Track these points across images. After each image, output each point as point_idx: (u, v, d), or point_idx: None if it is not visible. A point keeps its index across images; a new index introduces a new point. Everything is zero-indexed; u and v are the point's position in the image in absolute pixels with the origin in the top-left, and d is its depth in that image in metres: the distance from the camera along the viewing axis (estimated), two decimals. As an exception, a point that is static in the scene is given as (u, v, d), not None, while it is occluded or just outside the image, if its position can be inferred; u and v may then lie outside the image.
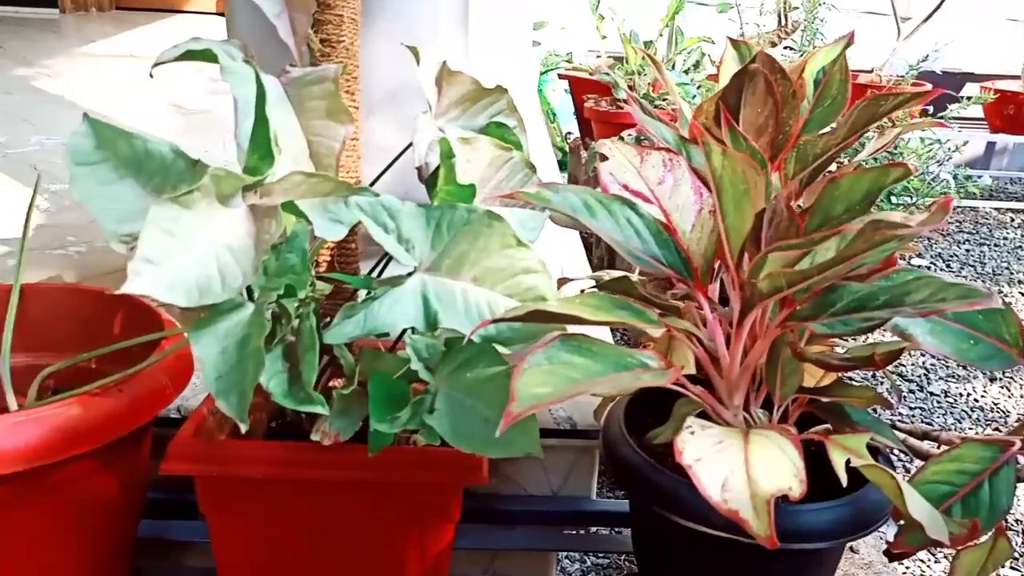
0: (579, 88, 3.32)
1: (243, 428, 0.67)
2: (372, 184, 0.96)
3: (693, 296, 0.84)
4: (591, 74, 3.28)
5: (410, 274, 0.76)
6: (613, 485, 1.44)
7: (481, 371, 0.77)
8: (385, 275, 0.89)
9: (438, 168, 0.89)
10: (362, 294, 0.84)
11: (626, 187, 0.88)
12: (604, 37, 3.23)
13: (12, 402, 0.96)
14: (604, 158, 0.90)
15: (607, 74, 3.04)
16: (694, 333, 0.82)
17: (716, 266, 0.87)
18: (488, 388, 0.77)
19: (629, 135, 2.51)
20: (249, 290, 0.77)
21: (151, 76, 0.85)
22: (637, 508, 0.99)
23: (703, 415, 0.89)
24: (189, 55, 0.84)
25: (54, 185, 1.97)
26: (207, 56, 0.83)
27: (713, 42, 3.27)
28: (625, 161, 0.90)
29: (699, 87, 3.14)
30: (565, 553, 1.35)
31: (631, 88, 2.99)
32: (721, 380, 0.83)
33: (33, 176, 2.03)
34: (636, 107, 1.01)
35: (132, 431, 0.83)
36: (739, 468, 0.66)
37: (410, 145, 0.97)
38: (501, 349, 0.78)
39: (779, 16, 3.38)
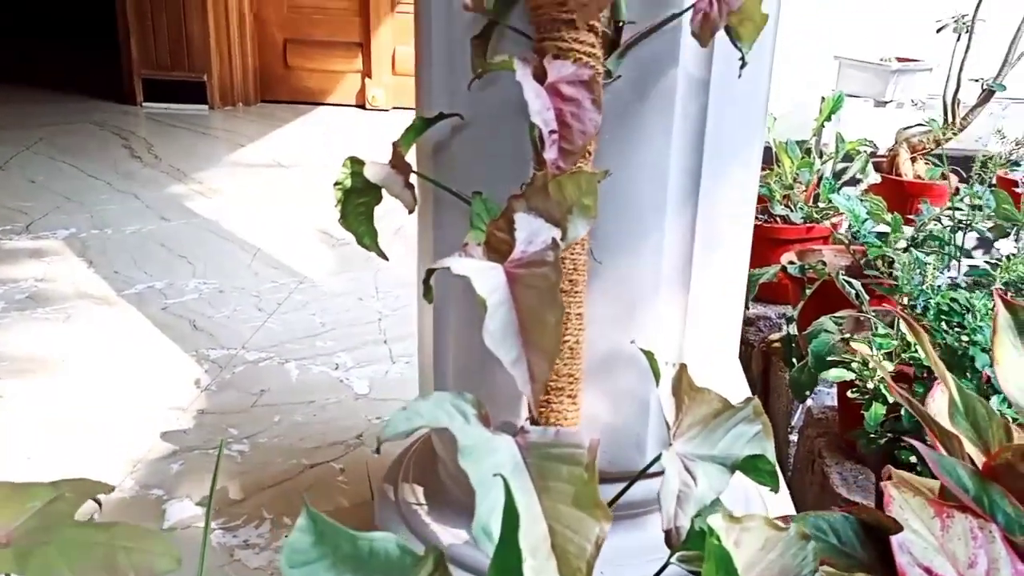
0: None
1: None
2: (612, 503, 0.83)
3: None
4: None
5: None
6: None
7: None
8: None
9: (690, 532, 0.74)
10: None
11: (929, 572, 0.71)
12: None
13: None
14: (897, 527, 0.74)
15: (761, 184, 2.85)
16: None
17: None
18: None
19: (791, 263, 2.31)
20: None
21: (377, 452, 0.75)
22: None
23: None
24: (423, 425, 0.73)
25: (214, 351, 1.94)
26: (448, 430, 0.72)
27: (876, 147, 3.04)
28: (923, 529, 0.73)
29: (867, 203, 2.90)
30: None
31: (786, 200, 2.79)
32: None
33: (195, 336, 2.01)
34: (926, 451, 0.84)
35: None
36: None
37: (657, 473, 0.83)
38: None
39: (945, 110, 3.12)
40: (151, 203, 2.96)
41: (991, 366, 1.44)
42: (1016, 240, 1.57)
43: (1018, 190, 1.79)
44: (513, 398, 1.07)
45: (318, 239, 2.70)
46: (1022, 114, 3.49)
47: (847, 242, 2.37)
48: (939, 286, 1.68)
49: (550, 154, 0.79)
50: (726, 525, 0.70)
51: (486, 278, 0.75)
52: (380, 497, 1.32)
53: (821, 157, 3.12)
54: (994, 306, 1.01)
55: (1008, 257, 1.48)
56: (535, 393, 0.74)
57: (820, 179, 2.86)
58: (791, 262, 2.34)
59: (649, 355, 0.85)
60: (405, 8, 4.50)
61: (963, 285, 1.72)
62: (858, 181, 3.00)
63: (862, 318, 1.95)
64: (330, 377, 1.85)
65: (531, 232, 0.80)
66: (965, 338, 1.57)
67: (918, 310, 1.75)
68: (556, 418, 0.89)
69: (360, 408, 1.72)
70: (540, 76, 0.82)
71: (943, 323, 1.62)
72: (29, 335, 2.00)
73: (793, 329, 2.13)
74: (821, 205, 2.72)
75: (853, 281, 1.99)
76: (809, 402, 1.93)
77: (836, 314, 1.92)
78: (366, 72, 4.60)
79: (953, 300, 1.57)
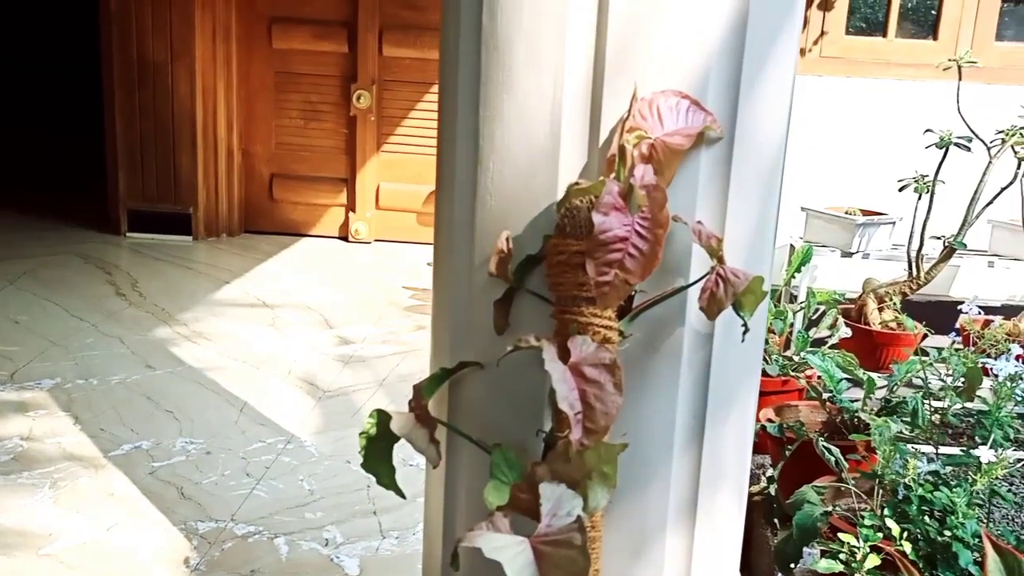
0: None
1: None
2: None
3: None
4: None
5: None
6: None
7: None
8: None
9: None
10: None
11: None
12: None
13: None
14: None
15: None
16: None
17: None
18: None
19: (770, 421, 2.37)
20: None
21: None
22: None
23: None
24: None
25: (203, 524, 1.93)
26: None
27: (844, 299, 3.15)
28: None
29: (839, 359, 2.98)
30: None
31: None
32: None
33: (183, 506, 2.00)
34: None
35: None
36: None
37: None
38: None
39: (910, 264, 3.27)
40: (136, 348, 2.97)
41: (974, 564, 1.49)
42: (992, 446, 1.65)
43: (988, 379, 1.88)
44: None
45: (303, 391, 2.72)
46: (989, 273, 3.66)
47: (822, 400, 2.45)
48: (920, 473, 1.74)
49: (575, 434, 0.84)
50: None
51: (516, 559, 0.79)
52: None
53: (792, 302, 3.22)
54: (983, 550, 1.06)
55: (988, 463, 1.55)
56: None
57: (792, 327, 2.96)
58: (770, 420, 2.40)
59: (664, 616, 0.89)
60: (390, 147, 4.67)
61: (943, 473, 1.78)
62: (832, 325, 3.08)
63: (843, 488, 2.00)
64: (320, 556, 1.84)
65: (555, 503, 0.85)
66: (948, 532, 1.62)
67: (899, 496, 1.80)
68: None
69: (352, 593, 1.72)
70: (563, 354, 0.88)
71: (925, 516, 1.67)
72: (15, 504, 1.97)
73: (773, 489, 2.17)
74: (794, 358, 2.80)
75: (832, 448, 2.05)
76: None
77: (817, 483, 1.97)
78: (350, 206, 4.72)
79: (934, 495, 1.63)
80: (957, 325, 2.63)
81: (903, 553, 1.38)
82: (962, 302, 3.02)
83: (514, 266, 0.98)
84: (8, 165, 5.93)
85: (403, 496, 1.06)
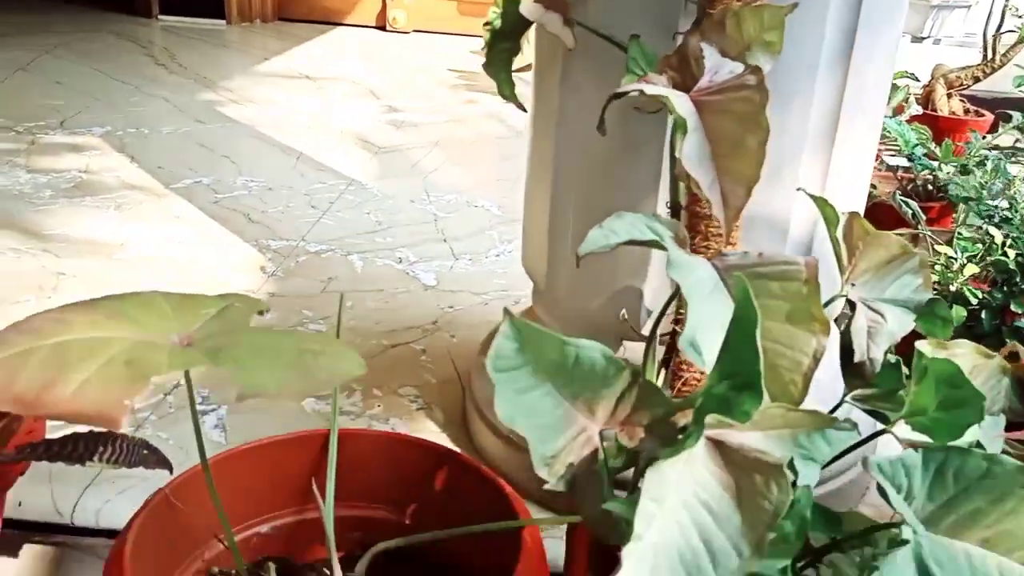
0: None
1: None
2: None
3: None
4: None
5: (904, 541, 0.62)
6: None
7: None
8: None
9: (886, 368, 0.74)
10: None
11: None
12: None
13: (335, 558, 0.87)
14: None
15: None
16: None
17: None
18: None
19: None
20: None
21: (577, 265, 0.73)
22: None
23: None
24: (632, 243, 0.72)
25: (275, 242, 1.91)
26: (654, 245, 0.71)
27: (917, 79, 3.01)
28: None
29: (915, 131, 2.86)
30: None
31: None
32: None
33: (252, 228, 1.98)
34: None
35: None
36: None
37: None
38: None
39: (985, 47, 3.09)
40: (183, 107, 2.90)
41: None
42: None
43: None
44: (638, 269, 1.06)
45: (359, 146, 2.66)
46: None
47: (893, 170, 2.36)
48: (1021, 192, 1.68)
49: (746, -22, 0.76)
50: (933, 350, 0.70)
51: (681, 105, 0.74)
52: (476, 369, 1.32)
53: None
54: None
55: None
56: (728, 220, 0.73)
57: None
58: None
59: (822, 201, 0.84)
60: (431, -74, 4.39)
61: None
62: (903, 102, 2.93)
63: (920, 235, 1.94)
64: (395, 270, 1.83)
65: (716, 62, 0.78)
66: (1055, 245, 1.57)
67: (996, 220, 1.74)
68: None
69: (430, 298, 1.71)
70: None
71: (1027, 227, 1.62)
72: (82, 220, 1.96)
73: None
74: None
75: (910, 201, 1.98)
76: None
77: (895, 232, 1.92)
78: (387, -8, 4.50)
79: (1043, 201, 1.57)
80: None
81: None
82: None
83: None
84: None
85: (524, 109, 1.00)
